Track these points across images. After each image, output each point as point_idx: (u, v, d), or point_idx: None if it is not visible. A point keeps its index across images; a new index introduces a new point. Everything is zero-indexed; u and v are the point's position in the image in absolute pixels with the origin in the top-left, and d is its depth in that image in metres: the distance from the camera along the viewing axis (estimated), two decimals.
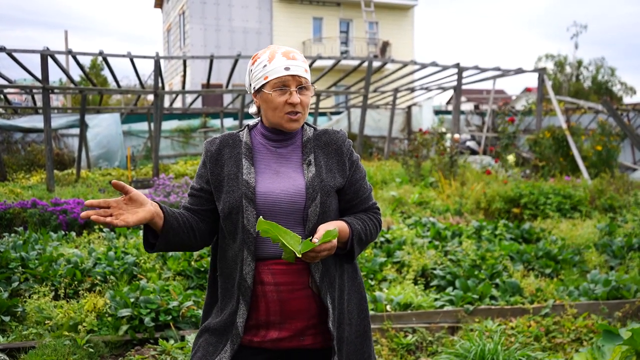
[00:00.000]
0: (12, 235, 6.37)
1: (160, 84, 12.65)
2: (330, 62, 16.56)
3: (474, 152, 17.28)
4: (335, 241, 1.78)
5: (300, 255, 1.70)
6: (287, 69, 1.84)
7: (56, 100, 39.30)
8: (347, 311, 1.93)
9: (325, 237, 1.73)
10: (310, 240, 1.72)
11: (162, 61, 30.85)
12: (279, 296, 1.83)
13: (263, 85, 1.87)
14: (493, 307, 4.41)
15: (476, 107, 23.58)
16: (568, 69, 42.55)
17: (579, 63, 42.74)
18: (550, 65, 42.17)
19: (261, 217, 1.72)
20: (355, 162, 1.99)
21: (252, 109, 2.01)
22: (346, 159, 1.95)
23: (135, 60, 12.62)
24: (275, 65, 1.84)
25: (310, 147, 1.94)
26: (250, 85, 1.94)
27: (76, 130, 16.59)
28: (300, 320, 1.86)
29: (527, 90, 15.09)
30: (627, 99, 41.58)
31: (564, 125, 12.26)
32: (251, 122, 2.03)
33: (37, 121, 16.24)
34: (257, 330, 1.87)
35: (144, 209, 1.72)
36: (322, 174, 1.89)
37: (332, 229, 1.75)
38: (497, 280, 5.00)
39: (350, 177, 1.96)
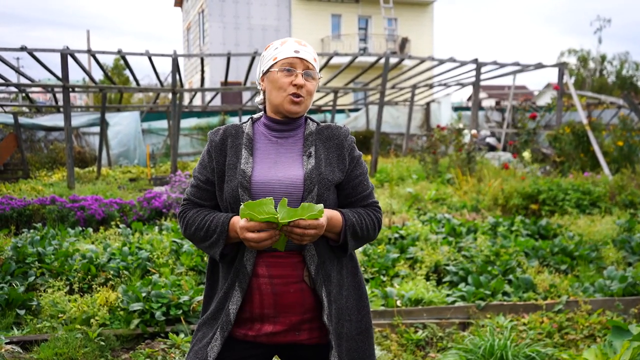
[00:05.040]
0: (31, 231, 6.48)
1: (178, 82, 12.75)
2: (347, 59, 16.53)
3: (493, 149, 17.11)
4: (323, 221, 1.72)
5: (281, 221, 1.63)
6: (296, 51, 1.89)
7: (79, 100, 39.94)
8: (346, 307, 1.91)
9: (306, 209, 1.66)
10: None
11: (182, 60, 31.10)
12: (273, 289, 1.82)
13: (271, 66, 1.90)
14: (505, 303, 4.36)
15: (497, 103, 23.34)
16: (591, 64, 41.88)
17: (603, 58, 42.04)
18: (573, 61, 41.57)
19: (242, 205, 1.67)
20: (356, 158, 1.97)
21: (258, 98, 2.02)
22: (347, 154, 1.94)
23: (154, 59, 12.77)
24: (286, 48, 1.90)
25: (311, 140, 1.93)
26: (260, 71, 1.97)
27: (97, 129, 16.82)
28: (295, 314, 1.84)
29: (555, 88, 14.81)
30: None
31: (585, 121, 12.06)
32: (256, 115, 2.04)
33: (59, 120, 16.51)
34: (252, 324, 1.86)
35: None
36: (321, 167, 1.88)
37: (318, 205, 1.69)
38: (511, 276, 4.94)
39: (349, 173, 1.94)
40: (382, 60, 13.19)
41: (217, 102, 23.91)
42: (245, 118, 19.53)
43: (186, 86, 28.67)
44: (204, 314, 1.96)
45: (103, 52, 12.12)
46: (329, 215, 1.81)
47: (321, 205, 1.69)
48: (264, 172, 1.86)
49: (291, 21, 26.42)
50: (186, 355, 1.90)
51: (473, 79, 14.52)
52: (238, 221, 1.76)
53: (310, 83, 1.90)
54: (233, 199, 1.84)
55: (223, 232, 1.81)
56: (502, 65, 14.36)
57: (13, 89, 16.38)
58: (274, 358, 1.99)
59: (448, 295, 4.62)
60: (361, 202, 1.96)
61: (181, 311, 4.06)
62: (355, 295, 1.95)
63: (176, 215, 7.57)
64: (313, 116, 19.76)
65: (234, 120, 19.70)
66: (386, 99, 20.25)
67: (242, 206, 1.67)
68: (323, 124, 2.00)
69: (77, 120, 16.80)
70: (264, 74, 1.94)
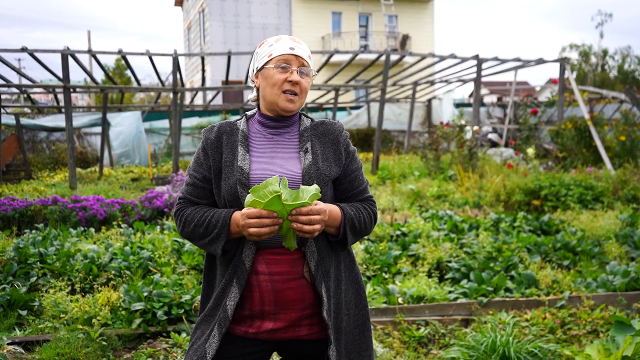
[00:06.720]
0: (33, 231, 6.48)
1: (179, 82, 12.75)
2: (348, 57, 16.54)
3: (495, 145, 17.08)
4: (326, 208, 1.76)
5: (284, 201, 1.65)
6: (291, 48, 1.89)
7: (81, 100, 40.00)
8: (344, 301, 1.92)
9: (304, 191, 1.68)
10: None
11: (183, 59, 31.11)
12: (273, 286, 1.82)
13: (266, 63, 1.90)
14: (507, 299, 4.35)
15: (499, 99, 23.28)
16: (593, 59, 41.76)
17: (605, 52, 41.93)
18: (575, 56, 41.49)
19: (248, 195, 1.68)
20: (352, 153, 1.99)
21: (251, 95, 2.02)
22: (342, 149, 1.95)
23: (155, 58, 12.77)
24: (281, 44, 1.90)
25: (307, 136, 1.94)
26: (254, 68, 1.96)
27: (99, 129, 16.83)
28: (295, 311, 1.85)
29: (553, 82, 14.79)
30: None
31: (587, 116, 12.03)
32: (249, 112, 2.03)
33: (60, 120, 16.51)
34: (252, 321, 1.86)
35: None
36: (319, 163, 1.88)
37: (312, 186, 1.72)
38: (513, 273, 4.93)
39: (345, 168, 1.95)
40: (383, 58, 13.17)
41: (219, 101, 23.92)
42: None
43: (187, 85, 28.68)
44: (202, 311, 1.96)
45: (104, 53, 12.11)
46: (328, 209, 1.81)
47: (315, 185, 1.71)
48: (261, 168, 1.87)
49: (291, 19, 26.39)
50: (186, 353, 1.90)
51: (474, 75, 14.48)
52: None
53: (305, 80, 1.91)
54: (231, 196, 1.84)
55: (225, 226, 1.80)
56: (503, 61, 14.31)
57: (15, 90, 16.40)
58: (273, 354, 1.99)
59: (450, 292, 4.60)
60: (357, 197, 1.98)
61: (183, 310, 4.06)
62: (353, 289, 1.97)
63: None
64: (314, 114, 19.61)
65: (235, 118, 19.72)
66: (387, 96, 20.22)
67: (249, 194, 1.68)
68: (317, 119, 2.01)
69: (79, 120, 16.82)
70: (258, 70, 1.94)
